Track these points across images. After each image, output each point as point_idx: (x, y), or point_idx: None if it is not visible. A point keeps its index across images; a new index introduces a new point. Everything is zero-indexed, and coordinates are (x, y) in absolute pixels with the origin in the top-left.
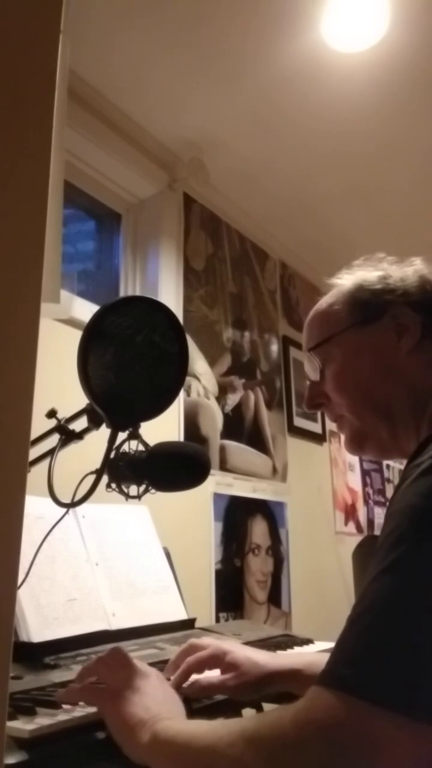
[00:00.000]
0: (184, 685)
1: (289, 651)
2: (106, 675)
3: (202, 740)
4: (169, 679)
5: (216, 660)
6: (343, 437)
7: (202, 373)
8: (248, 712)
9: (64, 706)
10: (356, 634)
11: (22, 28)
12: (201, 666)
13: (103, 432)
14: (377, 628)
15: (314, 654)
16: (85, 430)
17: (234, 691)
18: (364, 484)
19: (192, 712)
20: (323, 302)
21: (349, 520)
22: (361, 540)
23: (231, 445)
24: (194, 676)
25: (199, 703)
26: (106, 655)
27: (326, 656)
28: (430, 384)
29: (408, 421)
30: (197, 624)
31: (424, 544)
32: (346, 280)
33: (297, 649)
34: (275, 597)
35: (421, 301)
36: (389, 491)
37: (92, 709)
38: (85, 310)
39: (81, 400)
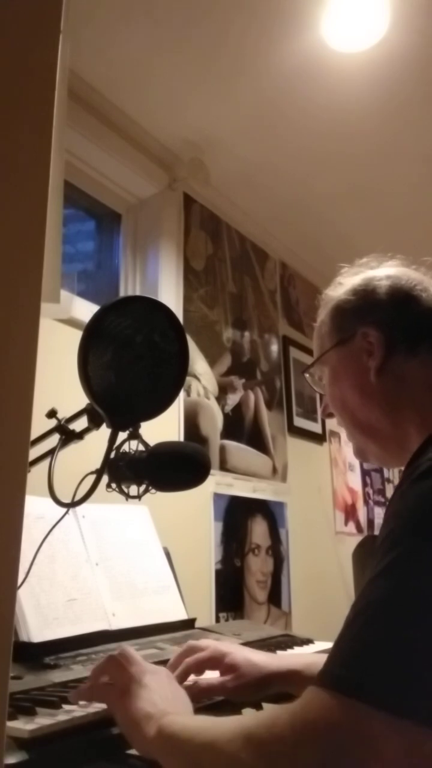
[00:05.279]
0: (183, 685)
1: (288, 651)
2: (115, 673)
3: (204, 735)
4: None
5: (215, 661)
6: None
7: (202, 373)
8: (248, 712)
9: (65, 707)
10: (352, 636)
11: (22, 28)
12: (200, 667)
13: (103, 432)
14: (373, 629)
15: (313, 655)
16: (85, 430)
17: (233, 693)
18: (364, 484)
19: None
20: (318, 318)
21: (349, 520)
22: (361, 540)
23: (231, 445)
24: (192, 677)
25: (198, 704)
26: (116, 654)
27: (325, 657)
28: (404, 402)
29: (394, 435)
30: (197, 624)
31: (420, 546)
32: (332, 294)
33: (297, 650)
34: (275, 597)
35: (385, 318)
36: (389, 491)
37: (92, 709)
38: (85, 310)
39: (81, 400)
